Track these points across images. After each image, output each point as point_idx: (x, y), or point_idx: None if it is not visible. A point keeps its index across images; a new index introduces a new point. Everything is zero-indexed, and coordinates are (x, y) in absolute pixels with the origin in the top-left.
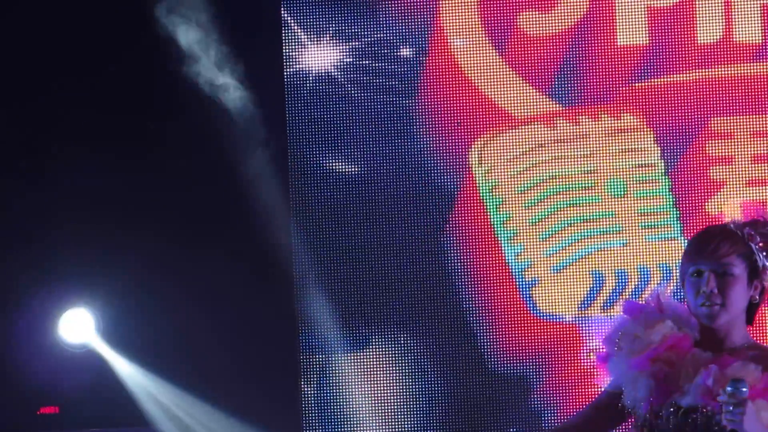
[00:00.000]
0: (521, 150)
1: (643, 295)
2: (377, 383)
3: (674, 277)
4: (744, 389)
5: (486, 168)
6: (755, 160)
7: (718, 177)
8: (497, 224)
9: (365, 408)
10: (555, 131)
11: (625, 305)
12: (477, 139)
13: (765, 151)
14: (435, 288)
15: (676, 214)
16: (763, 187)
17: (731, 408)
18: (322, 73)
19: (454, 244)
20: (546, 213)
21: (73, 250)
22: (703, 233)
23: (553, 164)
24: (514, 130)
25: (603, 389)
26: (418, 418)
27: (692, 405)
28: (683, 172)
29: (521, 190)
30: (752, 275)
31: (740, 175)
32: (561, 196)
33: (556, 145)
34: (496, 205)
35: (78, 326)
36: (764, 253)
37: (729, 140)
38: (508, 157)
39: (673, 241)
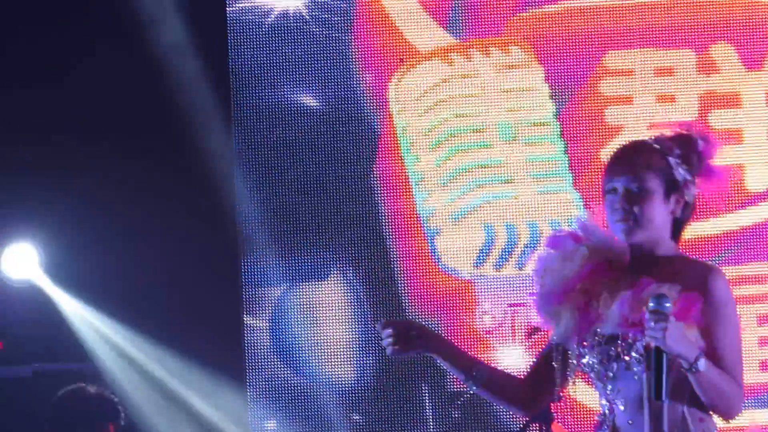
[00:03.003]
0: (424, 88)
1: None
2: (319, 320)
3: None
4: (667, 304)
5: (399, 106)
6: (659, 99)
7: (613, 121)
8: (409, 167)
9: (307, 344)
10: (452, 67)
11: (548, 238)
12: (392, 77)
13: (671, 91)
14: (367, 229)
15: (566, 162)
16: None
17: (653, 324)
18: (264, 12)
19: (379, 187)
20: (445, 156)
21: (16, 183)
22: (620, 150)
23: (451, 103)
24: (419, 66)
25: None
26: (357, 358)
27: (613, 333)
28: (574, 115)
29: (426, 131)
30: (670, 189)
31: (640, 118)
32: (457, 139)
33: (453, 82)
34: (408, 145)
35: (21, 261)
36: (684, 167)
37: (628, 77)
38: (416, 95)
39: (563, 195)
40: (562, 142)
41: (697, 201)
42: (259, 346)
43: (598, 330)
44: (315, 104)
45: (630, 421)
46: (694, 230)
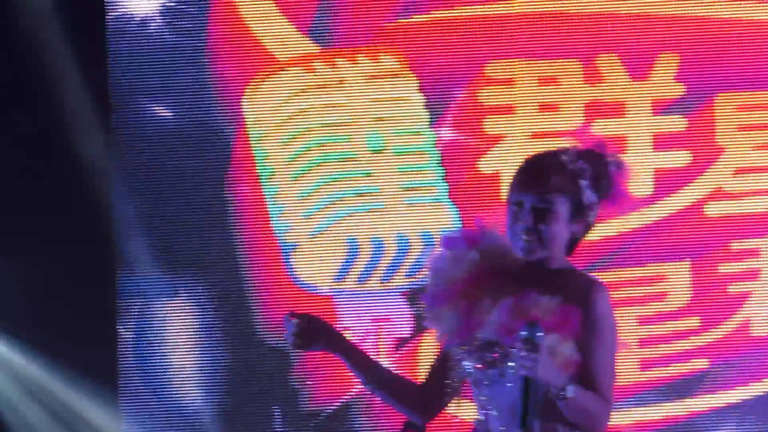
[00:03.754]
0: (283, 97)
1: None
2: (171, 338)
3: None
4: (539, 334)
5: (254, 116)
6: (542, 109)
7: (493, 130)
8: (264, 180)
9: (164, 361)
10: (314, 76)
11: (443, 238)
12: (248, 85)
13: (555, 100)
14: (219, 246)
15: (442, 172)
16: (552, 140)
17: (524, 353)
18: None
19: (232, 200)
20: (305, 169)
21: None
22: (532, 161)
23: (313, 113)
24: (277, 75)
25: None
26: (207, 378)
27: (491, 340)
28: (451, 125)
29: (283, 143)
30: (576, 212)
31: (520, 127)
32: (319, 150)
33: (315, 91)
34: (263, 158)
35: None
36: (593, 191)
37: (509, 86)
38: (272, 105)
39: (437, 205)
40: (437, 152)
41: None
42: (133, 357)
43: (478, 335)
44: (170, 115)
45: (502, 428)
46: None
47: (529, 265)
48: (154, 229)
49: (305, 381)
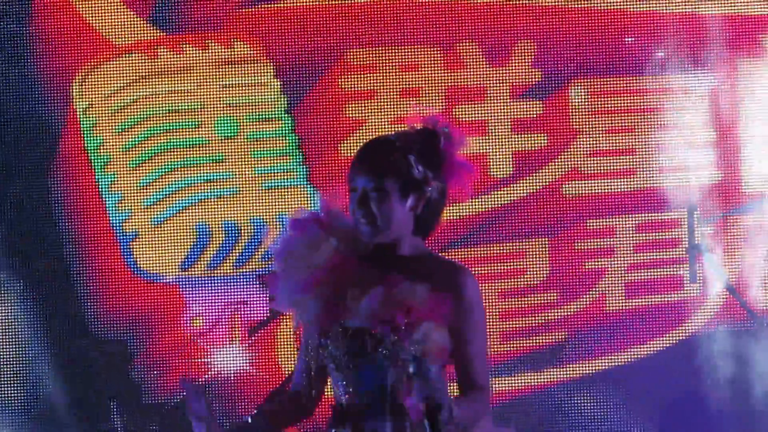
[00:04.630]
0: (120, 84)
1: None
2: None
3: None
4: (427, 366)
5: (86, 103)
6: (403, 94)
7: (354, 115)
8: (98, 168)
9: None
10: (157, 61)
11: (290, 221)
12: (79, 71)
13: (417, 86)
14: (43, 232)
15: (300, 157)
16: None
17: (415, 384)
18: None
19: (58, 188)
20: (147, 156)
21: None
22: (364, 146)
23: (156, 100)
24: (113, 61)
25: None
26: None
27: (360, 327)
28: (311, 110)
29: (121, 129)
30: (407, 188)
31: (381, 112)
32: (164, 137)
33: (158, 77)
34: (97, 146)
35: None
36: (422, 165)
37: (370, 73)
38: (109, 91)
39: (295, 189)
40: (295, 137)
41: (445, 195)
42: None
43: (345, 323)
44: None
45: (368, 410)
46: None
47: (382, 251)
48: None
49: (148, 373)
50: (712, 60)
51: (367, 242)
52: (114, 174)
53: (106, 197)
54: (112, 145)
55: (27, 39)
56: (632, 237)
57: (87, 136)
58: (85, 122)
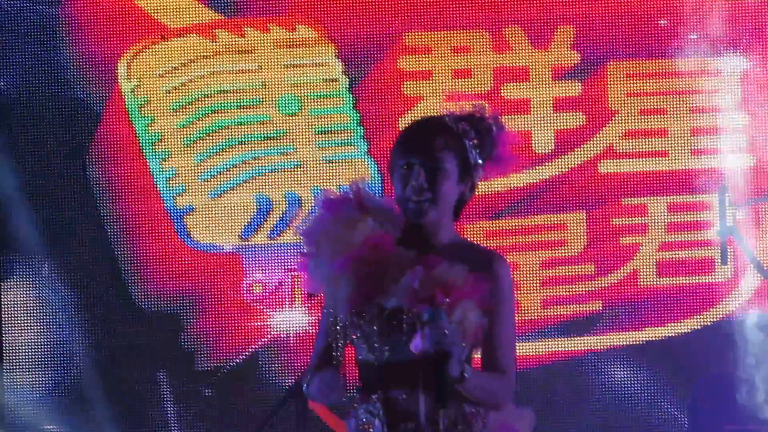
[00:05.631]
0: (175, 64)
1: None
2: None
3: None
4: (442, 314)
5: (135, 83)
6: (456, 75)
7: (411, 93)
8: (146, 145)
9: (61, 330)
10: (216, 43)
11: (323, 200)
12: (126, 52)
13: (468, 66)
14: (84, 216)
15: (361, 132)
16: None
17: (426, 330)
18: None
19: (98, 167)
20: (203, 132)
21: None
22: (416, 125)
23: (215, 80)
24: (167, 43)
25: (322, 312)
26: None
27: (397, 307)
28: (371, 89)
29: (175, 108)
30: (464, 171)
31: (437, 90)
32: (221, 114)
33: (217, 58)
34: (146, 124)
35: None
36: (477, 150)
37: (426, 55)
38: (160, 71)
39: (356, 161)
40: (356, 113)
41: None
42: (14, 333)
43: (381, 302)
44: (26, 78)
45: (404, 396)
46: (483, 188)
47: (420, 234)
48: (24, 207)
49: (201, 342)
50: (745, 43)
51: (413, 221)
52: (167, 151)
53: (156, 174)
54: (164, 124)
55: (63, 22)
56: (664, 217)
57: (134, 116)
58: (132, 102)
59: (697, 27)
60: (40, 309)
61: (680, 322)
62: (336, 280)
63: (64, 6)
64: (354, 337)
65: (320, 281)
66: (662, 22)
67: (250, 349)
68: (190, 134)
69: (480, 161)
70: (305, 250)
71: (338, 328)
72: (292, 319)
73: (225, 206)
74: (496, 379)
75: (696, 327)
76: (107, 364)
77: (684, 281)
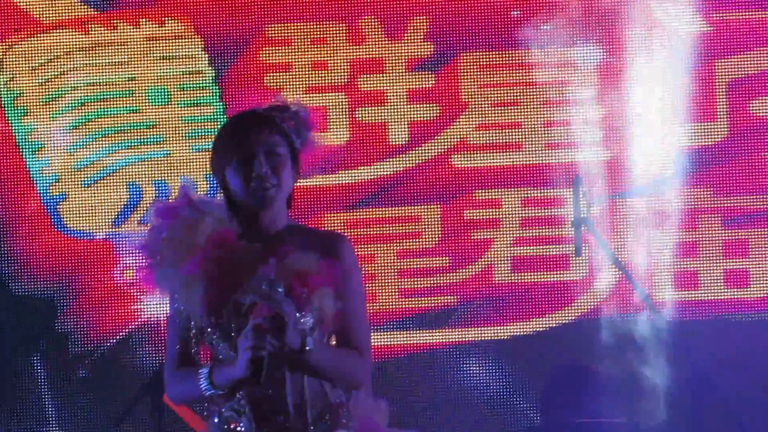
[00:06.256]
0: (48, 57)
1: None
2: None
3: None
4: (279, 289)
5: (8, 76)
6: (314, 67)
7: (273, 84)
8: (21, 136)
9: None
10: (88, 37)
11: (156, 209)
12: None
13: (323, 58)
14: None
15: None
16: (323, 95)
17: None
18: None
19: None
20: (77, 123)
21: None
22: (238, 120)
23: (86, 72)
24: (39, 36)
25: (168, 315)
26: None
27: (254, 302)
28: (235, 80)
29: (48, 99)
30: (293, 157)
31: (298, 82)
32: (95, 106)
33: (89, 51)
34: (20, 115)
35: None
36: (296, 136)
37: (286, 47)
38: (35, 64)
39: None
40: (222, 104)
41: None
42: None
43: (237, 299)
44: None
45: (270, 391)
46: (338, 179)
47: (260, 226)
48: None
49: (76, 324)
50: (601, 35)
51: (261, 210)
52: (38, 142)
53: (30, 164)
54: (37, 114)
55: None
56: (518, 211)
57: (7, 108)
58: (5, 94)
59: (551, 18)
60: None
61: (533, 320)
62: (187, 284)
63: None
64: (213, 336)
65: (169, 288)
66: (515, 12)
67: (123, 333)
68: (63, 125)
69: (300, 149)
70: (146, 263)
71: (193, 331)
72: (164, 303)
73: (97, 194)
74: (350, 356)
75: (552, 324)
76: None
77: (539, 278)
